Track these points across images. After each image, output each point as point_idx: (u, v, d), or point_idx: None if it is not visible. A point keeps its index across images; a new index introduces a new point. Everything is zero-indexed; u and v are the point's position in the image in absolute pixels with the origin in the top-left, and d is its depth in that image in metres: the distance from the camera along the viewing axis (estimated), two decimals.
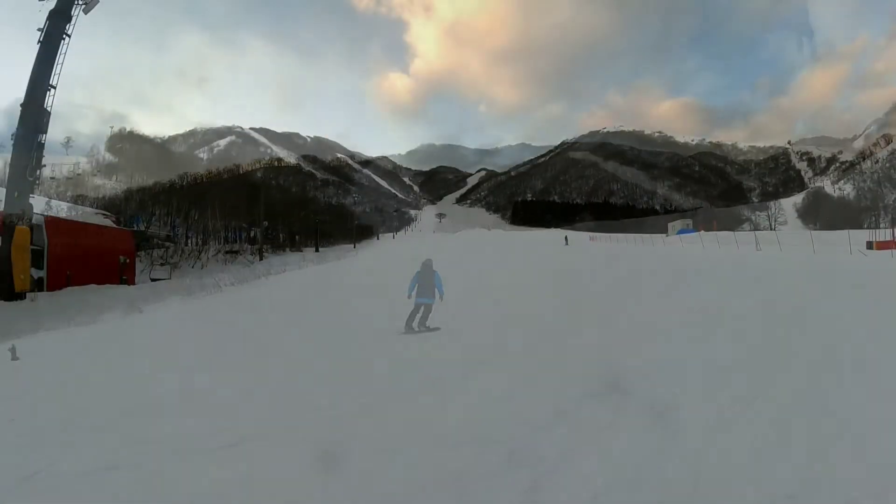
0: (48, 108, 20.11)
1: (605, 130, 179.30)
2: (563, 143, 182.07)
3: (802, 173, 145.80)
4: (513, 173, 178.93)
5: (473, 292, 12.37)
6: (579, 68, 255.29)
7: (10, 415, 4.61)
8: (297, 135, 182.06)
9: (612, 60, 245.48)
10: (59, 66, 20.40)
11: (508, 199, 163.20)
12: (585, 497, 2.55)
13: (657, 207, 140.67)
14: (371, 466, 3.06)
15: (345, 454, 3.26)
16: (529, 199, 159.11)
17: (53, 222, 22.06)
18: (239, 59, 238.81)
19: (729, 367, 4.64)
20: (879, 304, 7.59)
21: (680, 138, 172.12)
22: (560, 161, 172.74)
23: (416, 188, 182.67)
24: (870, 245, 22.83)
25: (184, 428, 4.00)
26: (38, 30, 20.33)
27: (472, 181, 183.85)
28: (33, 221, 19.72)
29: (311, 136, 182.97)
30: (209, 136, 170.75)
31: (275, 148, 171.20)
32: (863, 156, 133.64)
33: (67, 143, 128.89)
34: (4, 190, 19.61)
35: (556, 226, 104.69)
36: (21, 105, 19.95)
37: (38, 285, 19.77)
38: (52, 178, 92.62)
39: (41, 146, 20.13)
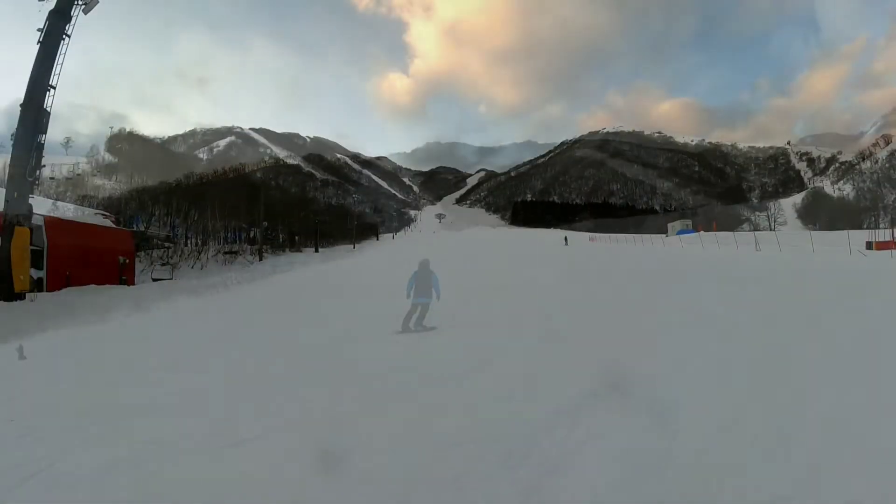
0: (48, 109, 20.07)
1: (605, 130, 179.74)
2: (562, 143, 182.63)
3: (802, 173, 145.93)
4: (513, 173, 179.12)
5: (473, 292, 12.37)
6: (579, 68, 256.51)
7: (11, 415, 4.60)
8: (297, 135, 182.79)
9: (612, 60, 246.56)
10: (58, 67, 20.33)
11: (508, 199, 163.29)
12: (585, 497, 2.55)
13: (657, 208, 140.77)
14: (371, 466, 3.06)
15: (345, 454, 3.26)
16: (529, 199, 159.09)
17: (53, 223, 22.04)
18: (239, 59, 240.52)
19: (729, 368, 4.65)
20: (879, 305, 7.60)
21: (680, 138, 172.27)
22: (560, 161, 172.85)
23: (415, 188, 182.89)
24: (869, 245, 22.86)
25: (184, 428, 3.99)
26: (38, 30, 20.27)
27: (471, 181, 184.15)
28: (33, 222, 19.69)
29: (311, 136, 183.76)
30: (209, 136, 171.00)
31: (275, 148, 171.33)
32: (862, 156, 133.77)
33: (67, 144, 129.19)
34: (4, 190, 19.58)
35: (556, 226, 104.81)
36: (21, 105, 19.92)
37: (37, 286, 19.77)
38: (51, 178, 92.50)
39: (41, 146, 20.07)
